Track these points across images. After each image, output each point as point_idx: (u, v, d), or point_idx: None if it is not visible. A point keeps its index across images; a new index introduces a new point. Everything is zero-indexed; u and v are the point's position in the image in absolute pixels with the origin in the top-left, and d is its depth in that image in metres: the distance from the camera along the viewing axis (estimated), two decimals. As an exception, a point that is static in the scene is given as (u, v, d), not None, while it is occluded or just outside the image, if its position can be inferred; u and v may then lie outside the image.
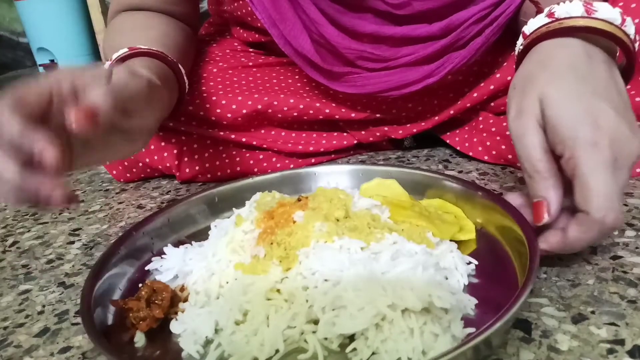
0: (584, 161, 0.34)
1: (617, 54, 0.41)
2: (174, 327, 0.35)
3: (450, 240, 0.41)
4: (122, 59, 0.49)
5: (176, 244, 0.46)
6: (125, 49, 0.50)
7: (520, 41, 0.44)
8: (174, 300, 0.37)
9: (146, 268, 0.43)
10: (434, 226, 0.41)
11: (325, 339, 0.32)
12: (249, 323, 0.33)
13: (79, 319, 0.40)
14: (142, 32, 0.57)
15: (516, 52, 0.45)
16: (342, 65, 0.61)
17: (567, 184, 0.36)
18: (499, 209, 0.42)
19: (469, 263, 0.39)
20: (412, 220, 0.41)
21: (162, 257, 0.44)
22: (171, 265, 0.42)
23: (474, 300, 0.35)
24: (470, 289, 0.37)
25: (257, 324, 0.33)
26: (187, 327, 0.34)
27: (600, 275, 0.38)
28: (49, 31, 2.77)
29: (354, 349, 0.31)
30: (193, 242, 0.45)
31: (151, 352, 0.34)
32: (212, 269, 0.39)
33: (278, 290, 0.35)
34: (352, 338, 0.32)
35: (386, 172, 0.52)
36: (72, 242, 0.56)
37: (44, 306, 0.43)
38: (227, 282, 0.37)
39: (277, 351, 0.32)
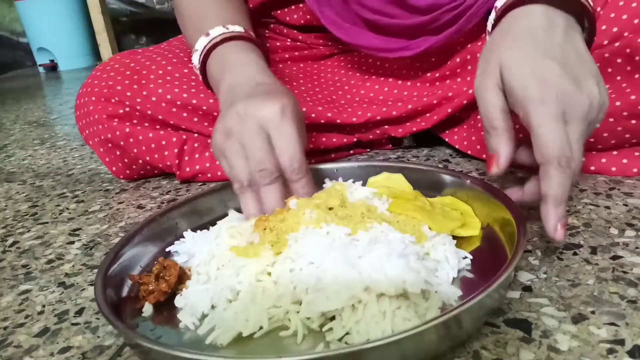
0: (533, 115, 0.37)
1: (585, 20, 0.43)
2: (177, 301, 0.38)
3: (454, 237, 0.42)
4: (225, 39, 0.54)
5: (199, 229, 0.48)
6: (238, 29, 0.55)
7: (492, 16, 0.46)
8: (182, 277, 0.40)
9: (167, 249, 0.47)
10: (430, 220, 0.42)
11: (308, 318, 0.34)
12: (240, 301, 0.36)
13: (79, 319, 0.40)
14: (231, 12, 0.60)
15: (488, 26, 0.47)
16: (350, 18, 0.64)
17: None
18: (504, 209, 0.42)
19: (465, 257, 0.40)
20: (409, 212, 0.43)
21: (181, 240, 0.47)
22: (187, 248, 0.45)
23: (458, 292, 0.36)
24: (462, 282, 0.38)
25: (246, 302, 0.36)
26: (187, 302, 0.38)
27: (600, 275, 0.38)
28: (49, 31, 2.78)
29: (330, 328, 0.33)
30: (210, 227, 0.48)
31: (155, 321, 0.38)
32: (213, 252, 0.41)
33: (269, 273, 0.37)
34: (332, 319, 0.34)
35: (401, 169, 0.53)
36: (72, 242, 0.56)
37: (44, 306, 0.43)
38: (223, 265, 0.40)
39: (261, 327, 0.34)
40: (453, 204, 0.48)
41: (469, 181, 0.49)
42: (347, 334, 0.33)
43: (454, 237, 0.42)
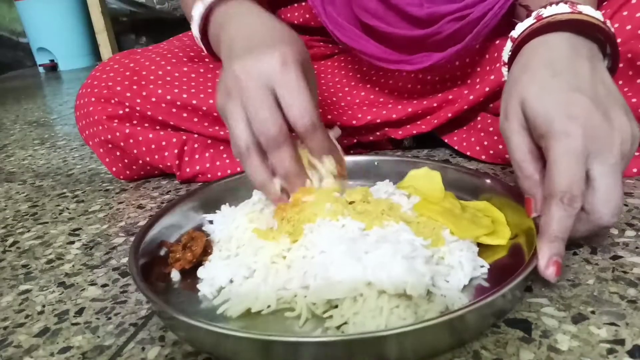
0: (553, 149, 0.36)
1: (606, 48, 0.41)
2: (200, 272, 0.41)
3: (479, 244, 0.41)
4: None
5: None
6: None
7: (508, 46, 0.45)
8: (206, 249, 0.43)
9: (203, 216, 0.50)
10: (454, 224, 0.41)
11: (313, 303, 0.35)
12: (253, 280, 0.38)
13: (79, 319, 0.40)
14: None
15: (505, 57, 0.45)
16: (352, 20, 0.63)
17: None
18: (530, 220, 0.41)
19: (483, 266, 0.39)
20: (432, 214, 0.42)
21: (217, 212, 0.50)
22: (219, 220, 0.48)
23: (464, 300, 0.35)
24: (475, 290, 0.37)
25: (259, 281, 0.38)
26: (208, 274, 0.40)
27: (600, 275, 0.39)
28: (49, 31, 2.79)
29: (331, 316, 0.35)
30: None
31: (180, 286, 0.41)
32: (231, 233, 0.43)
33: (284, 257, 0.39)
34: (336, 308, 0.35)
35: (442, 167, 0.52)
36: (72, 242, 0.56)
37: (44, 306, 0.43)
38: (243, 245, 0.42)
39: (268, 306, 0.36)
40: (486, 210, 0.47)
41: (504, 188, 0.47)
42: (345, 323, 0.34)
43: (480, 245, 0.41)
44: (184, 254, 0.42)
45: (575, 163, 0.35)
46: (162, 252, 0.45)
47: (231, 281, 0.39)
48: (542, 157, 0.39)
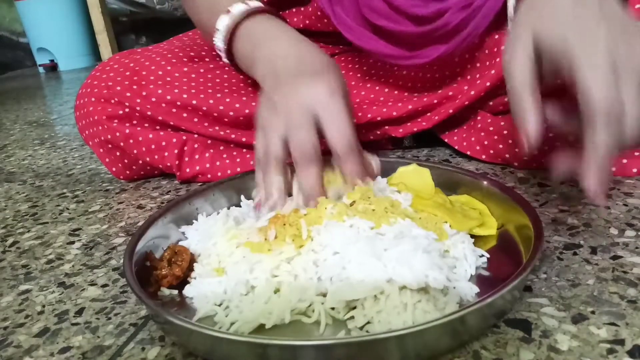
0: (578, 68, 0.34)
1: None
2: (188, 291, 0.39)
3: (471, 235, 0.43)
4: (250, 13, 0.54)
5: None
6: (258, 4, 0.54)
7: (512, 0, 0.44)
8: (192, 263, 0.41)
9: (180, 230, 0.48)
10: (451, 218, 0.43)
11: (333, 308, 0.35)
12: (261, 296, 0.36)
13: (79, 319, 0.40)
14: None
15: (510, 10, 0.45)
16: (360, 20, 0.63)
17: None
18: (519, 210, 0.42)
19: (482, 256, 0.40)
20: (429, 210, 0.43)
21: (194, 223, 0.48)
22: (192, 234, 0.46)
23: (476, 289, 0.36)
24: (479, 280, 0.38)
25: (269, 296, 0.36)
26: (199, 293, 0.38)
27: (600, 275, 0.39)
28: (49, 31, 2.78)
29: (352, 317, 0.34)
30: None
31: (176, 304, 0.39)
32: (209, 250, 0.41)
33: (287, 267, 0.37)
34: (354, 309, 0.35)
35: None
36: (72, 242, 0.56)
37: (44, 306, 0.43)
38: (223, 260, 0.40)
39: (282, 319, 0.35)
40: (470, 203, 0.48)
41: (484, 182, 0.49)
42: (369, 322, 0.33)
43: (471, 236, 0.43)
44: (171, 270, 0.40)
45: (607, 76, 0.33)
46: (148, 263, 0.42)
47: (225, 300, 0.37)
48: (541, 91, 0.38)
